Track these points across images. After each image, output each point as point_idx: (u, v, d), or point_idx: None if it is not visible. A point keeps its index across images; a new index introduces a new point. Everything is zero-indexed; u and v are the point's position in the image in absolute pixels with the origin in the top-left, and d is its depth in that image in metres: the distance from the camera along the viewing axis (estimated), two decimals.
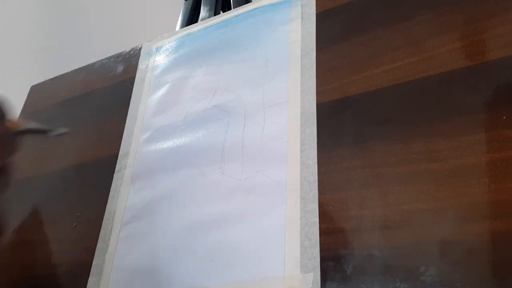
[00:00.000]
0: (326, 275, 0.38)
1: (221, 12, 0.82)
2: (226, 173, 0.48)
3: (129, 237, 0.51)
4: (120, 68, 0.69)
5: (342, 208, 0.40)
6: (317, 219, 0.41)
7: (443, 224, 0.35)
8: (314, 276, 0.38)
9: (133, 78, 0.65)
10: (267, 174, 0.45)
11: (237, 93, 0.53)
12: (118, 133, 0.61)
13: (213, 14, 0.79)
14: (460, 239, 0.34)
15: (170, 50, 0.64)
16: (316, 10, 0.53)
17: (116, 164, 0.58)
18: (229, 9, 0.85)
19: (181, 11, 0.85)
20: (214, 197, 0.47)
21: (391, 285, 0.35)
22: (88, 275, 0.51)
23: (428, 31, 0.44)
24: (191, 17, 0.84)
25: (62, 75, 0.78)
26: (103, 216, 0.54)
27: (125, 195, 0.54)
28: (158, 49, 0.66)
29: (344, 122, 0.44)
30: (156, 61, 0.64)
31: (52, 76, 0.79)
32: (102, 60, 0.73)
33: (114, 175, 0.57)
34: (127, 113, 0.62)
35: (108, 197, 0.56)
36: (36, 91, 0.80)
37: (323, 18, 0.52)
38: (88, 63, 0.74)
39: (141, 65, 0.66)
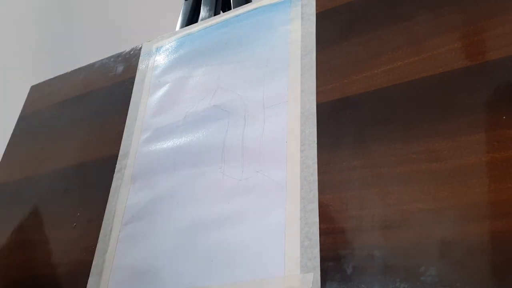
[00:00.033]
0: (326, 275, 0.38)
1: (221, 12, 0.82)
2: (226, 173, 0.48)
3: (129, 237, 0.51)
4: (120, 68, 0.69)
5: (342, 208, 0.40)
6: (317, 219, 0.41)
7: (443, 224, 0.35)
8: (314, 276, 0.38)
9: (133, 78, 0.65)
10: (267, 174, 0.45)
11: (237, 93, 0.53)
12: (118, 133, 0.61)
13: (213, 14, 0.79)
14: (460, 239, 0.34)
15: (170, 50, 0.64)
16: (316, 10, 0.53)
17: (116, 164, 0.58)
18: (229, 9, 0.85)
19: (181, 11, 0.85)
20: (214, 197, 0.47)
21: (391, 285, 0.35)
22: (88, 275, 0.51)
23: (428, 31, 0.44)
24: (191, 17, 0.84)
25: (62, 75, 0.78)
26: (103, 216, 0.54)
27: (125, 195, 0.54)
28: (158, 49, 0.66)
29: (344, 122, 0.44)
30: (156, 61, 0.64)
31: (52, 76, 0.79)
32: (102, 60, 0.73)
33: (114, 175, 0.57)
34: (127, 113, 0.62)
35: (108, 197, 0.56)
36: (36, 91, 0.80)
37: (323, 18, 0.52)
38: (88, 63, 0.74)
39: (141, 65, 0.66)
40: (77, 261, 0.53)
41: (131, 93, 0.64)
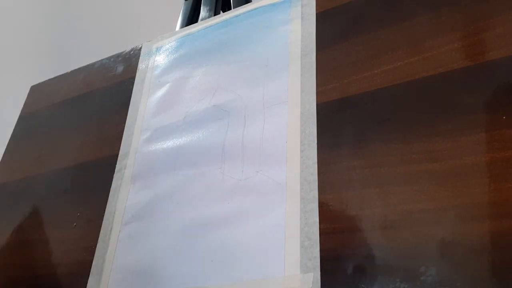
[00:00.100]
0: (326, 275, 0.38)
1: (221, 12, 0.82)
2: (226, 173, 0.48)
3: (129, 237, 0.51)
4: (120, 68, 0.69)
5: (342, 208, 0.40)
6: (317, 219, 0.41)
7: (443, 224, 0.35)
8: (314, 276, 0.38)
9: (133, 78, 0.65)
10: (267, 174, 0.45)
11: (237, 93, 0.53)
12: (118, 133, 0.61)
13: (213, 14, 0.79)
14: (460, 239, 0.34)
15: (170, 50, 0.64)
16: (316, 10, 0.53)
17: (116, 164, 0.58)
18: (229, 9, 0.85)
19: (181, 11, 0.85)
20: (214, 197, 0.47)
21: (391, 285, 0.35)
22: (88, 275, 0.51)
23: (428, 31, 0.44)
24: (191, 17, 0.84)
25: (62, 75, 0.78)
26: (103, 216, 0.54)
27: (125, 195, 0.54)
28: (158, 49, 0.66)
29: (344, 122, 0.44)
30: (156, 61, 0.64)
31: (52, 76, 0.79)
32: (102, 60, 0.73)
33: (114, 175, 0.57)
34: (127, 113, 0.62)
35: (108, 197, 0.56)
36: (36, 91, 0.80)
37: (323, 18, 0.52)
38: (88, 63, 0.74)
39: (141, 65, 0.66)
40: (77, 261, 0.53)
41: (131, 93, 0.64)
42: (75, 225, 0.57)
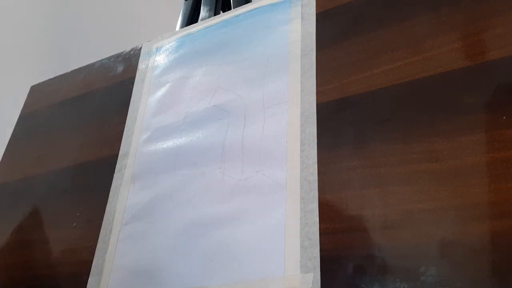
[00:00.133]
0: (326, 275, 0.38)
1: (221, 12, 0.82)
2: (226, 173, 0.48)
3: (129, 237, 0.51)
4: (120, 68, 0.69)
5: (342, 208, 0.40)
6: (317, 219, 0.41)
7: (443, 224, 0.35)
8: (314, 276, 0.38)
9: (133, 78, 0.65)
10: (267, 174, 0.45)
11: (237, 93, 0.53)
12: (118, 133, 0.61)
13: (213, 14, 0.79)
14: (460, 239, 0.34)
15: (170, 50, 0.64)
16: (316, 10, 0.53)
17: (116, 164, 0.58)
18: (229, 9, 0.85)
19: (181, 11, 0.85)
20: (214, 197, 0.47)
21: (391, 285, 0.35)
22: (88, 275, 0.51)
23: (428, 31, 0.44)
24: (191, 17, 0.84)
25: (62, 75, 0.78)
26: (103, 216, 0.54)
27: (125, 195, 0.54)
28: (158, 49, 0.66)
29: (344, 122, 0.44)
30: (156, 61, 0.64)
31: (52, 76, 0.79)
32: (102, 60, 0.73)
33: (114, 175, 0.57)
34: (127, 113, 0.62)
35: (108, 197, 0.56)
36: (36, 91, 0.80)
37: (323, 18, 0.52)
38: (88, 63, 0.74)
39: (141, 65, 0.66)
40: (77, 261, 0.53)
41: (131, 93, 0.64)
42: (75, 225, 0.57)
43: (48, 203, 0.62)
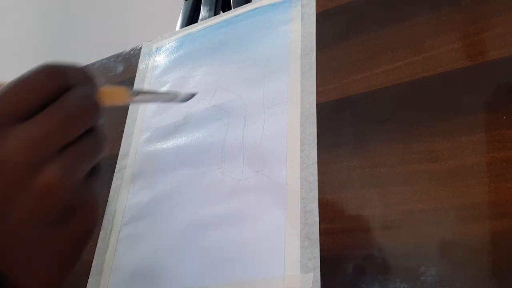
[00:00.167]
0: (326, 275, 0.38)
1: (221, 12, 0.82)
2: (226, 173, 0.48)
3: (129, 237, 0.51)
4: (120, 68, 0.69)
5: (342, 208, 0.40)
6: (317, 219, 0.41)
7: (443, 224, 0.35)
8: (314, 276, 0.38)
9: (133, 78, 0.65)
10: (267, 174, 0.45)
11: (237, 93, 0.53)
12: (118, 133, 0.61)
13: (213, 14, 0.79)
14: (460, 239, 0.34)
15: (170, 50, 0.64)
16: (316, 10, 0.53)
17: (116, 164, 0.58)
18: (229, 9, 0.85)
19: (181, 11, 0.85)
20: (214, 197, 0.47)
21: (391, 285, 0.35)
22: (88, 275, 0.51)
23: (428, 31, 0.44)
24: (191, 17, 0.84)
25: None
26: (103, 216, 0.54)
27: (125, 195, 0.54)
28: (158, 49, 0.66)
29: (344, 122, 0.44)
30: (156, 61, 0.64)
31: None
32: (102, 60, 0.73)
33: (114, 175, 0.57)
34: (127, 113, 0.62)
35: (108, 197, 0.56)
36: None
37: (323, 18, 0.52)
38: (88, 63, 0.74)
39: (141, 65, 0.66)
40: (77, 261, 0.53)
41: None
42: None
43: None
